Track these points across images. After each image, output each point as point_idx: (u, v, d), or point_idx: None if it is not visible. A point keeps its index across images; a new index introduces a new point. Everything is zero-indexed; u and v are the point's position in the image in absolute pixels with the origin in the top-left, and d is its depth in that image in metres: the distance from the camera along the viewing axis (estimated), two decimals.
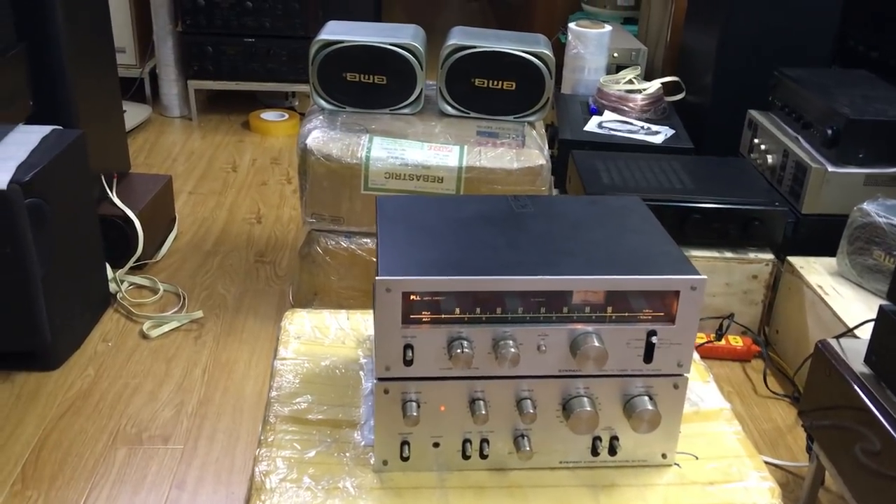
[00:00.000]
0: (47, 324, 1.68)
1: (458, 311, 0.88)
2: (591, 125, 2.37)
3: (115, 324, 1.91)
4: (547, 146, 1.84)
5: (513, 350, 0.87)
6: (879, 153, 1.88)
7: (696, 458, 0.98)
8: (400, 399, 0.90)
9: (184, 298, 2.02)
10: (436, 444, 0.93)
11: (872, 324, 1.24)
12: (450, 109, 1.84)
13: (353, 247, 1.81)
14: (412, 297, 0.86)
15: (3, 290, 1.63)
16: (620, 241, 0.95)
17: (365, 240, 1.82)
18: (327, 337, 1.19)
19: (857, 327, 1.52)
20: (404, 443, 0.93)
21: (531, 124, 1.86)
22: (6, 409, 1.61)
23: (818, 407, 1.35)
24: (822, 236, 1.91)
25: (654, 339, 0.89)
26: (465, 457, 0.94)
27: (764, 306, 1.92)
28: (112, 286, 2.00)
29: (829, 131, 1.89)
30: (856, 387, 1.23)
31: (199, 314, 1.94)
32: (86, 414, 1.62)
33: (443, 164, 1.74)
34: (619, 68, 2.80)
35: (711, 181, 1.96)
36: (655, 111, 2.47)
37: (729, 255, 1.88)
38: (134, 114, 3.19)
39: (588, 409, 0.90)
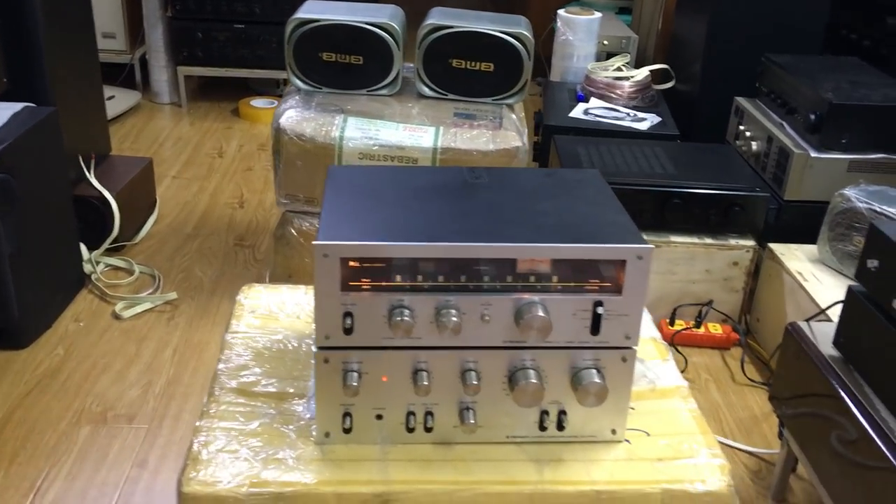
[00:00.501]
0: (16, 302, 1.66)
1: (399, 278, 0.85)
2: (577, 111, 2.34)
3: (89, 304, 1.90)
4: (525, 129, 1.82)
5: (454, 319, 0.85)
6: (863, 139, 1.85)
7: (648, 435, 0.96)
8: (340, 369, 0.88)
9: (159, 280, 2.00)
10: (379, 416, 0.91)
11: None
12: (427, 91, 1.82)
13: None
14: (351, 262, 0.84)
15: None
16: (570, 211, 0.93)
17: None
18: (283, 311, 1.17)
19: (828, 308, 1.50)
20: (346, 414, 0.91)
21: (510, 107, 1.84)
22: None
23: (787, 391, 1.32)
24: (804, 223, 1.88)
25: (600, 310, 0.87)
26: (409, 429, 0.92)
27: (745, 294, 1.89)
28: (87, 267, 1.98)
29: (813, 116, 1.86)
30: (823, 370, 1.21)
31: (172, 295, 1.93)
32: (52, 392, 1.60)
33: (417, 145, 1.72)
34: (609, 56, 2.77)
35: (694, 167, 1.93)
36: (643, 98, 2.44)
37: (709, 241, 1.85)
38: (123, 99, 3.18)
39: (533, 381, 0.88)
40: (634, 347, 0.90)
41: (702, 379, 1.77)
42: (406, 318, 0.85)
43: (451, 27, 1.76)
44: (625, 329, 0.89)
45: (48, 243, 1.79)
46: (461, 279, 0.86)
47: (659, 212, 1.83)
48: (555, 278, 0.86)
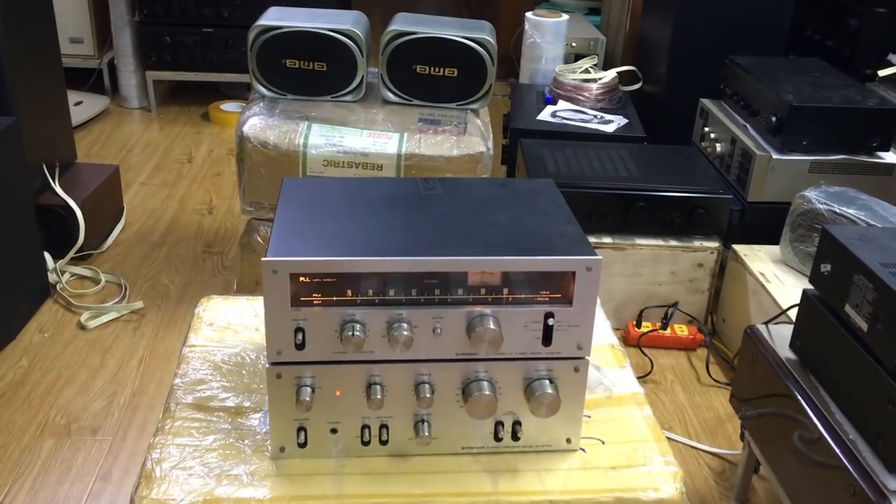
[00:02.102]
0: None
1: (349, 292, 0.86)
2: (545, 114, 2.35)
3: (53, 314, 1.88)
4: (490, 134, 1.82)
5: (405, 333, 0.86)
6: (824, 140, 1.87)
7: (603, 443, 0.97)
8: (293, 384, 0.89)
9: (125, 289, 1.99)
10: (333, 430, 0.91)
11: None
12: (391, 96, 1.82)
13: None
14: (301, 278, 0.84)
15: None
16: (521, 222, 0.93)
17: None
18: (241, 323, 1.17)
19: (786, 311, 1.51)
20: (300, 429, 0.91)
21: (474, 112, 1.84)
22: None
23: (747, 393, 1.34)
24: (768, 224, 1.90)
25: (551, 321, 0.88)
26: (365, 443, 0.92)
27: (710, 294, 1.91)
28: (52, 277, 1.96)
29: (774, 118, 1.88)
30: (779, 372, 1.22)
31: (139, 305, 1.91)
32: (15, 405, 1.59)
33: (382, 152, 1.72)
34: (577, 58, 2.78)
35: (658, 169, 1.95)
36: (610, 100, 2.46)
37: (674, 243, 1.87)
38: (91, 105, 3.15)
39: (486, 393, 0.89)
40: (587, 357, 0.90)
41: (668, 380, 1.78)
42: (357, 333, 0.85)
43: (414, 33, 1.76)
44: (576, 339, 0.89)
45: (11, 254, 1.78)
46: (412, 293, 0.86)
47: (624, 215, 1.85)
48: (505, 290, 0.87)
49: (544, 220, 0.94)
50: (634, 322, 1.89)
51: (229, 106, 3.23)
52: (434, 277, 0.86)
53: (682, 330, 1.89)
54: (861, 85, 2.05)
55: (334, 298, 0.85)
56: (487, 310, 0.87)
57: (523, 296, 0.87)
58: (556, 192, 1.02)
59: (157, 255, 2.17)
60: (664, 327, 1.88)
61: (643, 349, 1.85)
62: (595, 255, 0.86)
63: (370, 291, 0.86)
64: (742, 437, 1.42)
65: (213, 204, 2.49)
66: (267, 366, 0.87)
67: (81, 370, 1.70)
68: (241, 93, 3.39)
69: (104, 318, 1.86)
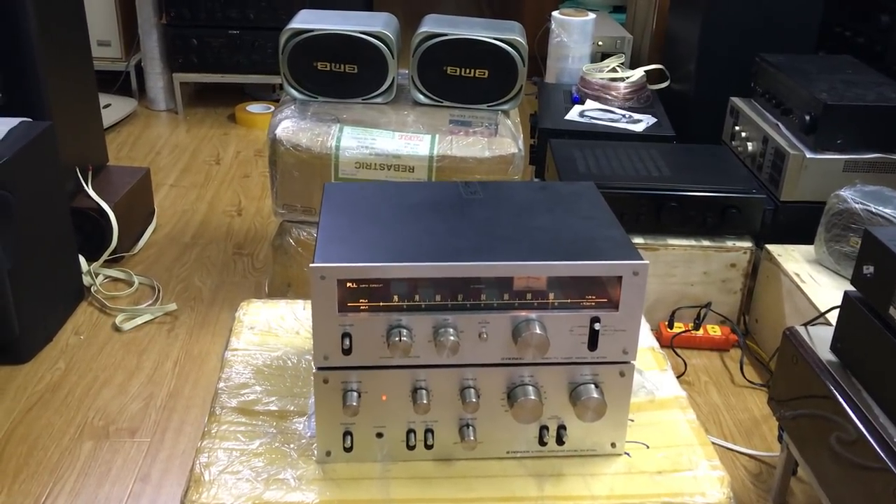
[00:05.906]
0: (15, 317, 1.67)
1: (396, 298, 0.86)
2: (573, 114, 2.34)
3: (89, 317, 1.90)
4: (520, 134, 1.82)
5: (452, 338, 0.86)
6: (858, 139, 1.86)
7: (647, 447, 0.96)
8: (340, 388, 0.89)
9: (158, 291, 2.01)
10: (379, 435, 0.92)
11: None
12: (422, 98, 1.82)
13: None
14: (348, 284, 0.85)
15: None
16: (565, 226, 0.93)
17: None
18: (282, 327, 1.17)
19: (826, 313, 1.50)
20: (347, 433, 0.91)
21: (505, 112, 1.84)
22: None
23: (786, 394, 1.33)
24: (801, 224, 1.88)
25: (597, 326, 0.88)
26: (410, 447, 0.92)
27: (743, 295, 1.89)
28: (86, 279, 1.99)
29: (808, 117, 1.86)
30: (820, 374, 1.21)
31: (172, 307, 1.93)
32: (54, 407, 1.61)
33: (414, 153, 1.72)
34: (604, 56, 2.78)
35: (689, 169, 1.93)
36: (638, 99, 2.44)
37: (707, 243, 1.86)
38: (119, 107, 3.18)
39: (532, 397, 0.89)
40: (633, 362, 0.90)
41: (701, 381, 1.77)
42: (404, 338, 0.85)
43: (445, 34, 1.76)
44: (622, 344, 0.89)
45: (47, 257, 1.80)
46: (458, 298, 0.86)
47: (655, 215, 1.84)
48: (551, 295, 0.87)
49: (588, 224, 0.94)
50: (667, 323, 1.89)
51: (256, 107, 3.25)
52: (480, 282, 0.86)
53: (714, 330, 1.88)
54: (894, 82, 2.02)
55: (381, 304, 0.86)
56: (533, 314, 0.87)
57: (569, 300, 0.87)
58: (598, 195, 1.02)
59: (188, 256, 2.19)
60: (697, 328, 1.87)
61: (676, 350, 1.84)
62: (641, 259, 0.86)
63: (416, 297, 0.86)
64: (780, 438, 1.41)
65: (242, 205, 2.51)
66: (314, 371, 0.88)
67: (118, 372, 1.72)
68: (266, 94, 3.41)
69: (139, 321, 1.88)
